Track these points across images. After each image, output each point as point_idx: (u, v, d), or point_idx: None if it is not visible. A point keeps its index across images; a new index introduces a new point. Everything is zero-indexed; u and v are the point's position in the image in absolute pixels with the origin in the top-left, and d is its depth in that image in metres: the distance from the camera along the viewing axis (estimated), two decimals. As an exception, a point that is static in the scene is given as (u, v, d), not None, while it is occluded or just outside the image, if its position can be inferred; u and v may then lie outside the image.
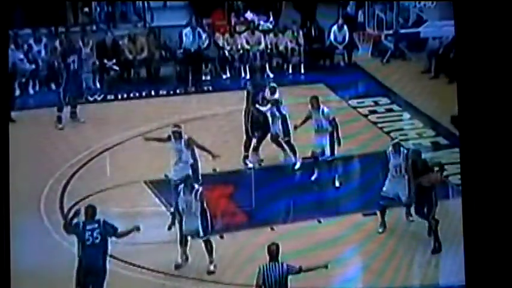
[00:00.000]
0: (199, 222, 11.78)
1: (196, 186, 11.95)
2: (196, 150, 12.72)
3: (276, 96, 14.56)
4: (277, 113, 14.47)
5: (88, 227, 10.80)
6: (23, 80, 16.62)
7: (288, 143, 14.51)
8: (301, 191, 13.75)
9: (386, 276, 11.83)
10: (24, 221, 12.51)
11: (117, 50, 17.54)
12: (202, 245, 11.85)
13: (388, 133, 15.63)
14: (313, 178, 14.02)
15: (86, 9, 18.14)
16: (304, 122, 13.98)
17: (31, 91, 16.93)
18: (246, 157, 14.53)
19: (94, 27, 18.05)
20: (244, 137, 14.49)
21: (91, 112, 15.96)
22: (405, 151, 12.80)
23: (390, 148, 12.87)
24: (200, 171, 12.77)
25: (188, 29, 17.45)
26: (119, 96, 16.83)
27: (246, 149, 14.56)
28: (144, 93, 16.82)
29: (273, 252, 10.37)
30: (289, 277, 10.33)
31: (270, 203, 13.34)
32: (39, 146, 14.66)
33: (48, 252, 12.08)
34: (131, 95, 16.66)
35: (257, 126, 14.48)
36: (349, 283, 11.79)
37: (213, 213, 13.01)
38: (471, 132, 11.25)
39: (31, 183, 13.53)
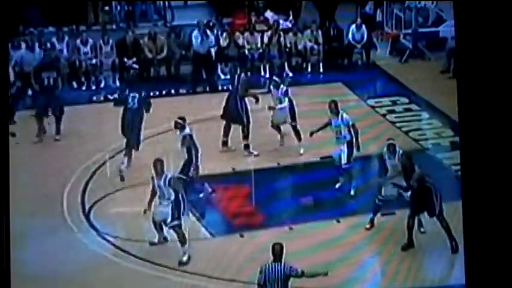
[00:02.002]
0: (170, 209, 11.94)
1: (167, 173, 12.09)
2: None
3: (283, 88, 14.79)
4: (285, 98, 14.68)
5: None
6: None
7: (295, 127, 14.73)
8: (321, 192, 13.72)
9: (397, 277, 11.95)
10: (46, 221, 12.76)
11: (137, 48, 17.59)
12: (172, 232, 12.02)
13: (406, 133, 15.64)
14: (337, 186, 13.92)
15: (107, 8, 18.25)
16: (321, 128, 13.93)
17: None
18: (224, 143, 14.79)
19: (114, 26, 18.16)
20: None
21: (111, 110, 16.16)
22: (400, 151, 12.78)
23: (385, 149, 12.87)
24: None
25: (196, 30, 17.52)
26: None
27: (226, 134, 14.81)
28: (163, 92, 16.89)
29: (277, 252, 10.40)
30: (291, 279, 10.37)
31: (287, 203, 13.44)
32: (62, 144, 14.94)
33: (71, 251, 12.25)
34: (151, 93, 16.73)
35: (234, 115, 14.71)
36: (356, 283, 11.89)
37: (231, 212, 13.34)
38: (471, 132, 11.21)
39: (53, 182, 13.72)
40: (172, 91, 17.05)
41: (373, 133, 14.96)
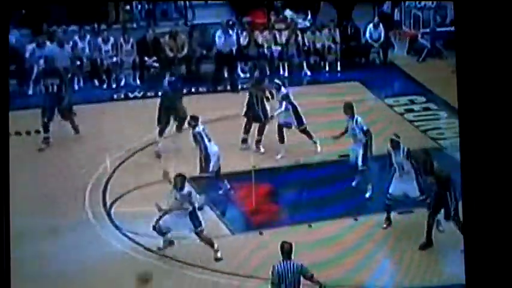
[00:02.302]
0: (188, 219, 11.99)
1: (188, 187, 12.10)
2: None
3: (283, 91, 14.72)
4: (289, 106, 14.63)
5: None
6: (69, 76, 16.67)
7: (304, 131, 14.76)
8: (339, 190, 13.76)
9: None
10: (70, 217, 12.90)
11: (157, 47, 17.74)
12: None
13: (424, 132, 15.70)
14: (354, 184, 13.93)
15: (128, 7, 18.41)
16: (343, 133, 13.93)
17: (76, 87, 17.19)
18: (244, 140, 14.94)
19: (135, 25, 18.32)
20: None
21: (131, 108, 16.28)
22: (405, 148, 12.65)
23: (389, 145, 12.80)
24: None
25: (219, 29, 17.71)
26: (159, 93, 16.83)
27: (246, 132, 14.95)
28: (184, 91, 16.78)
29: (287, 250, 10.39)
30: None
31: (307, 200, 13.45)
32: (83, 142, 15.07)
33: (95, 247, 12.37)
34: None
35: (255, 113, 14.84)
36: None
37: (251, 209, 13.37)
38: (471, 131, 11.20)
39: (75, 180, 13.87)
40: (193, 89, 17.14)
41: (390, 132, 14.90)
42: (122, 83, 17.59)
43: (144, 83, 17.59)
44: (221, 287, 11.60)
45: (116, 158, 14.53)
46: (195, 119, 13.40)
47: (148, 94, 17.14)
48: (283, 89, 14.75)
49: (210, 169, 13.31)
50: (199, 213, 12.15)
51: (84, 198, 13.45)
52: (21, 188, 12.80)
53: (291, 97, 14.71)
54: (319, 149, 14.79)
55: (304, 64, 18.33)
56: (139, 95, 17.19)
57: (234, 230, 12.92)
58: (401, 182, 12.64)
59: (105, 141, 14.99)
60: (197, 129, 13.32)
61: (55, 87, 14.86)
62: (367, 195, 13.71)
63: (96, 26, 17.75)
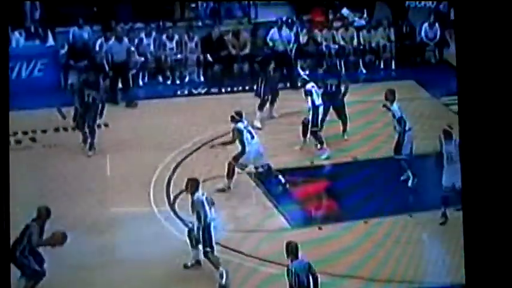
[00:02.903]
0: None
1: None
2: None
3: (308, 87, 14.88)
4: (310, 105, 14.81)
5: None
6: (134, 72, 17.26)
7: (314, 133, 14.80)
8: (393, 186, 13.93)
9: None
10: (135, 211, 13.15)
11: (222, 45, 17.94)
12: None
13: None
14: (402, 179, 14.09)
15: (193, 5, 18.59)
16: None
17: (141, 83, 17.58)
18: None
19: (200, 23, 18.48)
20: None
21: (196, 104, 16.55)
22: (457, 139, 12.58)
23: (442, 135, 12.94)
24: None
25: (275, 28, 17.90)
26: (223, 90, 17.34)
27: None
28: (246, 88, 17.19)
29: (292, 250, 10.48)
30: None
31: (363, 197, 13.55)
32: (149, 137, 15.27)
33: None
34: (234, 89, 17.20)
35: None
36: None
37: (310, 204, 13.58)
38: (472, 131, 11.26)
39: (138, 175, 14.11)
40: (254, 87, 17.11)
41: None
42: (186, 80, 17.81)
43: (207, 80, 17.82)
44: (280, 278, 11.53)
45: (179, 153, 14.76)
46: (239, 114, 13.65)
47: (212, 90, 17.40)
48: (308, 86, 14.90)
49: (245, 162, 13.52)
50: (212, 231, 11.65)
51: (148, 192, 13.67)
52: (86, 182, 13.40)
53: (315, 96, 14.79)
54: (325, 153, 14.86)
55: (360, 62, 18.51)
56: (203, 92, 17.40)
57: (293, 225, 13.04)
58: (450, 173, 12.76)
59: (169, 136, 15.23)
60: (239, 124, 13.50)
61: (91, 98, 14.88)
62: (409, 184, 13.88)
63: (161, 23, 17.97)
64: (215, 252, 11.67)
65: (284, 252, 10.65)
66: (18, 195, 11.81)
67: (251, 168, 13.49)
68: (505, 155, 11.08)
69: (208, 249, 11.58)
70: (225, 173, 13.62)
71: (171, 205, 13.44)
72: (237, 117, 13.63)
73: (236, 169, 13.60)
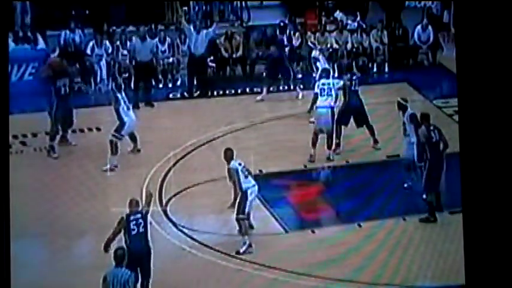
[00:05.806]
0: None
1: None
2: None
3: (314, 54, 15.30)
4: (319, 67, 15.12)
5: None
6: (126, 75, 17.24)
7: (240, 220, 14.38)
8: (390, 191, 13.87)
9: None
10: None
11: (214, 48, 17.95)
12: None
13: (473, 133, 15.75)
14: (405, 186, 13.95)
15: (185, 8, 18.54)
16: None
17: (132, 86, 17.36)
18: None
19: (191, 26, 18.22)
20: None
21: (187, 108, 16.58)
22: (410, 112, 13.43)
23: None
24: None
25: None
26: (215, 93, 17.34)
27: None
28: (239, 91, 17.30)
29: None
30: None
31: (358, 200, 13.53)
32: (140, 137, 15.08)
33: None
34: (227, 91, 17.16)
35: None
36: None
37: (304, 208, 13.50)
38: (472, 131, 11.26)
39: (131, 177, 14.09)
40: (247, 90, 17.42)
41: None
42: (178, 83, 17.85)
43: (200, 83, 17.66)
44: (278, 283, 11.71)
45: (171, 156, 14.68)
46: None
47: (204, 93, 17.31)
48: (314, 53, 15.35)
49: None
50: (249, 198, 12.14)
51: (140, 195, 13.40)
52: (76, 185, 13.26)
53: (322, 62, 15.19)
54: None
55: (353, 65, 18.36)
56: (195, 95, 17.36)
57: (287, 228, 12.97)
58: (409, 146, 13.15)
59: (161, 140, 15.18)
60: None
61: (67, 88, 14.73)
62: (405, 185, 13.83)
63: (153, 26, 17.99)
64: (248, 222, 12.27)
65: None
66: (12, 199, 11.56)
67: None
68: (505, 156, 11.06)
69: (241, 215, 12.12)
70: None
71: (164, 208, 13.36)
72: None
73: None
